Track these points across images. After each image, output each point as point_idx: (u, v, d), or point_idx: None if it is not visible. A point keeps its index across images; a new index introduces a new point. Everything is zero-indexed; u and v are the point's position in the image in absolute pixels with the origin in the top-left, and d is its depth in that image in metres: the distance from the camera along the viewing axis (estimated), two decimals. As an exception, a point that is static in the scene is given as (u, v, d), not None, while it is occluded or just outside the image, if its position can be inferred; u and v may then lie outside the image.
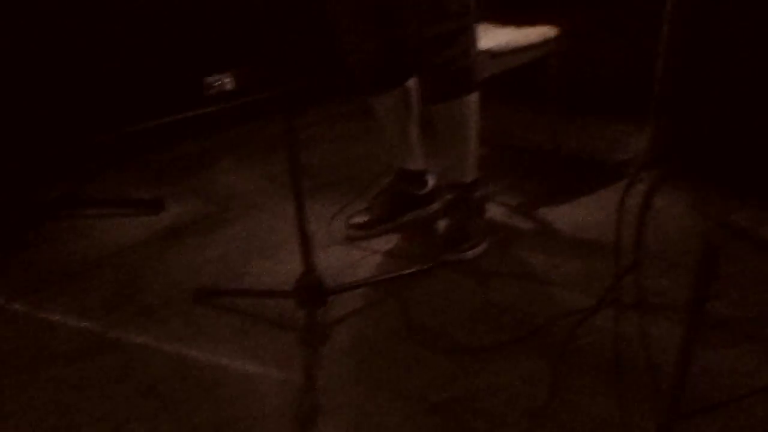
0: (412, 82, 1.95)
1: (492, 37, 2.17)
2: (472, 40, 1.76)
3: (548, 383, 1.33)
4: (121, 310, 1.69)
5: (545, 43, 2.30)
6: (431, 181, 2.11)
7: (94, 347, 1.55)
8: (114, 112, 2.84)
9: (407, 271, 1.75)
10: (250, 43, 3.19)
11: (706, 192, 0.78)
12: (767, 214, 0.72)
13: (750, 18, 0.70)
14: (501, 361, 1.41)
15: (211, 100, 3.15)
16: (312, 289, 1.50)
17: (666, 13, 0.79)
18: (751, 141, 0.72)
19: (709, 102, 0.76)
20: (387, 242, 1.96)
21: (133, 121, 2.91)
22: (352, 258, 1.89)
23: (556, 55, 2.36)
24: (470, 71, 1.78)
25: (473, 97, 1.82)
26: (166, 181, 2.57)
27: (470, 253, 1.83)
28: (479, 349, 1.45)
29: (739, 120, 0.73)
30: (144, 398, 1.37)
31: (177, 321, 1.63)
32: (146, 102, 2.93)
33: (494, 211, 2.12)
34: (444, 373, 1.39)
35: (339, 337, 1.53)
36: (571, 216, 2.05)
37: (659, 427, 1.12)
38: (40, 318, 1.68)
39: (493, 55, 2.11)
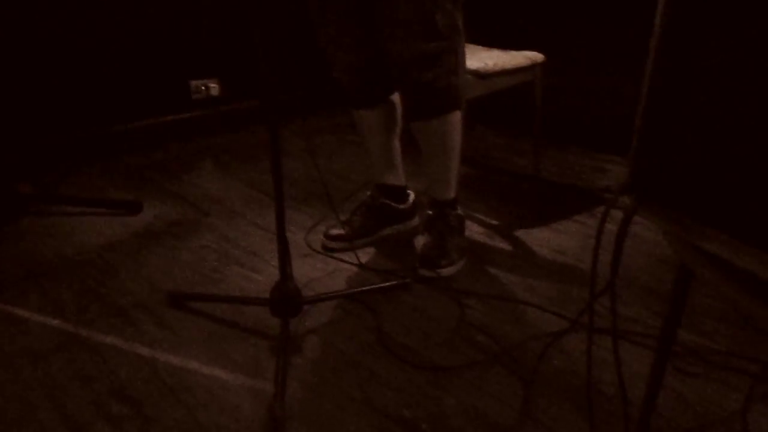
0: (396, 98, 1.96)
1: (479, 59, 2.20)
2: (458, 59, 1.77)
3: (519, 403, 1.34)
4: (93, 310, 1.67)
5: (531, 67, 2.34)
6: (412, 197, 2.12)
7: (64, 346, 1.52)
8: (96, 110, 2.82)
9: (383, 285, 1.75)
10: (238, 50, 3.19)
11: (682, 219, 0.80)
12: (742, 244, 0.73)
13: (728, 58, 0.72)
14: (472, 379, 1.41)
15: (196, 105, 3.14)
16: (287, 298, 1.49)
17: (650, 47, 0.81)
18: (727, 173, 0.74)
19: (690, 132, 0.77)
20: (364, 255, 1.96)
21: (116, 120, 2.89)
22: (329, 269, 1.89)
23: (541, 81, 2.40)
24: (454, 90, 1.79)
25: (456, 116, 1.83)
26: (146, 183, 2.55)
27: (447, 270, 1.83)
28: (451, 367, 1.46)
29: (716, 152, 0.75)
30: (111, 399, 1.35)
31: (149, 323, 1.61)
32: (130, 102, 2.92)
33: (473, 231, 2.13)
34: (415, 388, 1.39)
35: (312, 348, 1.53)
36: (549, 239, 2.08)
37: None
38: (10, 314, 1.65)
39: (479, 76, 2.14)
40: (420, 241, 1.99)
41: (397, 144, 2.04)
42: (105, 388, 1.38)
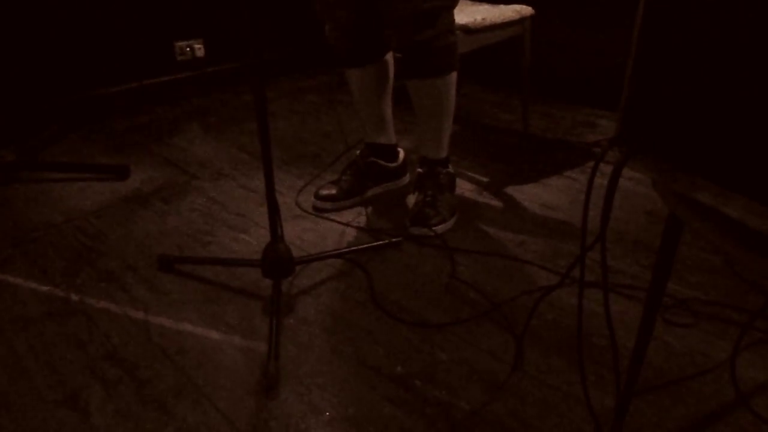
0: (389, 57, 1.93)
1: (468, 14, 2.16)
2: (453, 18, 1.75)
3: (510, 358, 1.35)
4: (83, 275, 1.66)
5: (520, 21, 2.31)
6: (402, 155, 2.11)
7: (55, 311, 1.52)
8: (79, 74, 2.78)
9: (374, 244, 1.75)
10: (223, 11, 3.13)
11: (671, 170, 0.79)
12: (730, 193, 0.73)
13: (716, 10, 0.71)
14: (464, 335, 1.43)
15: (182, 67, 3.09)
16: (278, 259, 1.49)
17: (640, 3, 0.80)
18: (714, 124, 0.73)
19: (678, 85, 0.77)
20: (355, 215, 1.96)
21: (99, 84, 2.85)
22: (320, 230, 1.89)
23: (530, 35, 2.37)
24: (453, 48, 1.77)
25: (453, 77, 1.81)
26: (133, 148, 2.53)
27: (439, 228, 1.83)
28: (443, 323, 1.47)
29: (704, 104, 0.74)
30: (105, 363, 1.35)
31: (140, 287, 1.61)
32: (113, 65, 2.87)
33: (463, 188, 2.13)
34: (407, 345, 1.40)
35: (304, 308, 1.53)
36: (539, 195, 2.08)
37: (618, 402, 1.15)
38: (0, 280, 1.64)
39: (468, 31, 2.11)
40: (411, 199, 1.99)
41: (388, 103, 2.02)
42: (98, 352, 1.39)
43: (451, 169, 1.97)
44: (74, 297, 1.57)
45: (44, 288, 1.61)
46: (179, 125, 2.77)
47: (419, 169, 1.96)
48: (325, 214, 1.96)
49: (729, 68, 0.72)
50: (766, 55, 0.68)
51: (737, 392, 1.24)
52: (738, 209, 0.73)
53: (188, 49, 3.07)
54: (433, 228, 1.82)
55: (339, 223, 1.91)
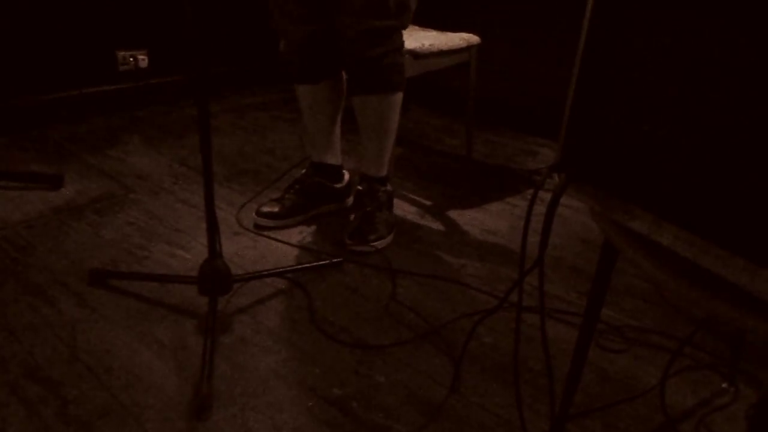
0: (342, 75, 1.94)
1: (416, 39, 2.19)
2: (403, 39, 1.78)
3: (448, 381, 1.35)
4: (7, 289, 1.58)
5: (467, 48, 2.35)
6: (347, 176, 2.11)
7: (-26, 326, 1.44)
8: (16, 80, 2.67)
9: (315, 264, 1.73)
10: (168, 21, 3.08)
11: (607, 198, 0.81)
12: (663, 222, 0.75)
13: (651, 44, 0.74)
14: (402, 357, 1.42)
15: (124, 77, 3.02)
16: (216, 276, 1.46)
17: (581, 32, 0.82)
18: (647, 155, 0.76)
19: (615, 115, 0.79)
20: (297, 233, 1.94)
21: (37, 91, 2.75)
22: (260, 247, 1.86)
23: (476, 63, 2.42)
24: (399, 68, 1.80)
25: (398, 97, 1.84)
26: (69, 157, 2.44)
27: (376, 245, 1.84)
28: (381, 345, 1.46)
29: (639, 134, 0.77)
30: (26, 381, 1.28)
31: (68, 302, 1.55)
32: (52, 72, 2.77)
33: (405, 211, 2.13)
34: (345, 367, 1.38)
35: (241, 327, 1.50)
36: (480, 220, 2.10)
37: (553, 426, 1.16)
38: None
39: (416, 56, 2.14)
40: (351, 217, 1.98)
41: (338, 122, 2.02)
42: (20, 369, 1.32)
43: (389, 187, 1.98)
44: (-3, 311, 1.50)
45: (-36, 301, 1.53)
46: (119, 136, 2.70)
47: (359, 187, 1.96)
48: (266, 232, 1.93)
49: (663, 101, 0.75)
50: (699, 89, 0.71)
51: (666, 417, 1.27)
52: (669, 237, 0.76)
53: (131, 59, 3.00)
54: (371, 244, 1.82)
55: (280, 241, 1.89)
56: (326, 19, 1.75)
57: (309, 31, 1.80)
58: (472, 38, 2.36)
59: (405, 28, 1.78)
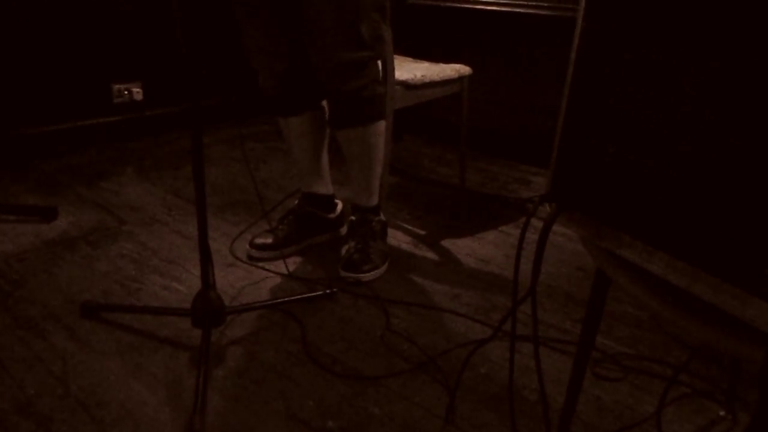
0: (325, 105, 1.95)
1: (408, 70, 2.22)
2: (383, 69, 1.79)
3: (443, 411, 1.34)
4: (-2, 322, 1.58)
5: (459, 79, 2.38)
6: (339, 206, 2.11)
7: (-36, 360, 1.43)
8: (10, 112, 2.69)
9: (309, 295, 1.73)
10: (162, 54, 3.11)
11: (598, 226, 0.82)
12: (654, 250, 0.76)
13: (641, 74, 0.75)
14: (397, 388, 1.41)
15: (118, 109, 3.04)
16: (209, 308, 1.45)
17: (570, 64, 0.84)
18: (638, 184, 0.76)
19: (606, 144, 0.80)
20: (290, 264, 1.93)
21: (32, 123, 2.76)
22: (254, 279, 1.85)
23: (467, 93, 2.44)
24: (379, 99, 1.81)
25: (380, 126, 1.85)
26: (62, 189, 2.44)
27: (369, 275, 1.83)
28: (376, 376, 1.45)
29: (629, 163, 0.77)
30: (16, 417, 1.27)
31: (60, 335, 1.53)
32: (47, 105, 2.79)
33: (399, 240, 2.14)
34: (339, 398, 1.37)
35: (234, 359, 1.49)
36: (473, 249, 2.10)
37: (546, 457, 1.15)
38: None
39: (407, 86, 2.16)
40: (344, 247, 1.98)
41: (325, 152, 2.03)
42: (10, 404, 1.30)
43: (382, 216, 1.99)
44: (-13, 345, 1.48)
45: (-45, 335, 1.52)
46: (112, 168, 2.71)
47: (352, 217, 1.97)
48: (260, 263, 1.93)
49: (650, 130, 0.76)
50: (685, 119, 0.72)
51: (663, 447, 1.26)
52: (661, 266, 0.76)
53: (126, 92, 3.02)
54: (364, 275, 1.82)
55: (273, 272, 1.89)
56: (301, 54, 1.76)
57: (285, 65, 1.82)
58: (464, 69, 2.39)
59: (380, 58, 1.80)
